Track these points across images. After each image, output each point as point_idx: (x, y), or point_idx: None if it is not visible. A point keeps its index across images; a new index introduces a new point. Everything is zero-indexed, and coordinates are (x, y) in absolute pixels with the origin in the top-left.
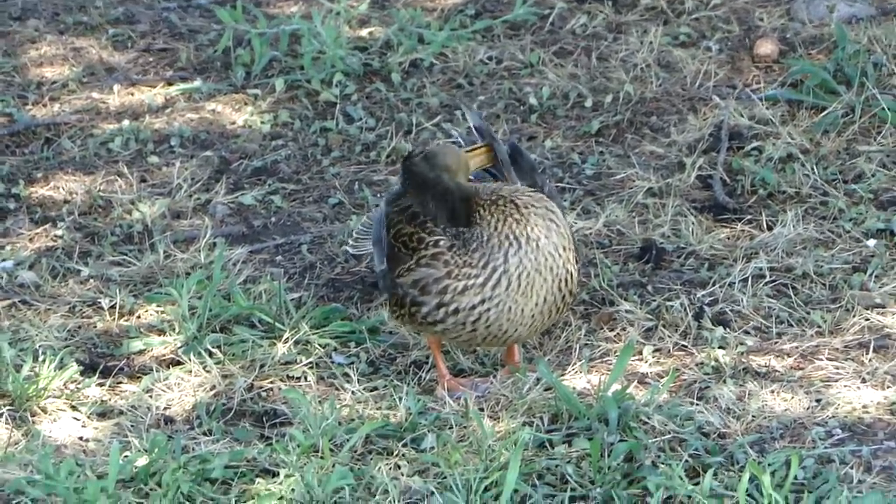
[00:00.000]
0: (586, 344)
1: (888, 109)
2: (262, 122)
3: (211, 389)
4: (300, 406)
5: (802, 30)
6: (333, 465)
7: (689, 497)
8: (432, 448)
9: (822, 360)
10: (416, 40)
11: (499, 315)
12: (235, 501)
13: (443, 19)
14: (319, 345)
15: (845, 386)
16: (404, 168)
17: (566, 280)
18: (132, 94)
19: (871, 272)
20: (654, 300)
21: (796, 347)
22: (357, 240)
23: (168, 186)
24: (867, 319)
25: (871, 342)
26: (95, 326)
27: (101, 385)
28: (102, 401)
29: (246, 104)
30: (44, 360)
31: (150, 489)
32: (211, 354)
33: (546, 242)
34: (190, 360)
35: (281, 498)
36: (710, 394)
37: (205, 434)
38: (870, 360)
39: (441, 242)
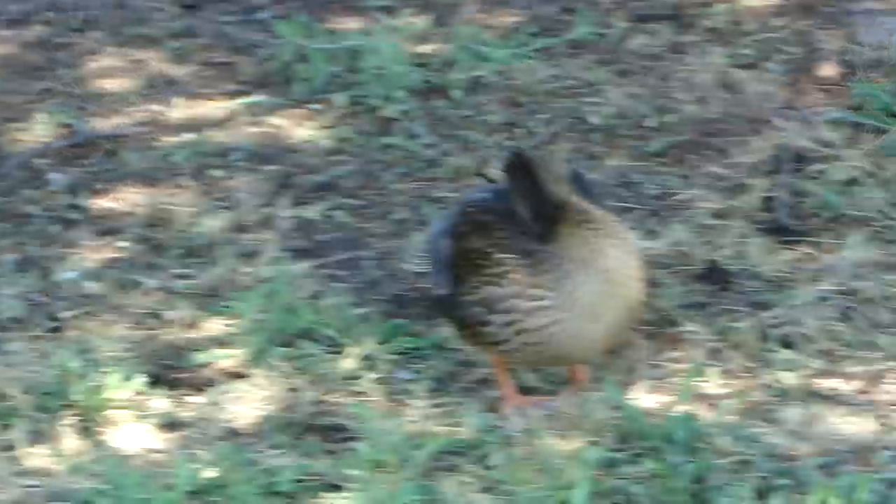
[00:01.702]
0: (651, 364)
1: None
2: (324, 138)
3: (276, 403)
4: (367, 421)
5: (863, 52)
6: (401, 481)
7: None
8: (499, 466)
9: (888, 383)
10: (476, 58)
11: (566, 337)
12: None
13: (503, 37)
14: (384, 360)
15: None
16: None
17: (635, 307)
18: (192, 108)
19: None
20: (719, 321)
21: (863, 371)
22: (423, 256)
23: (231, 200)
24: None
25: None
26: (160, 338)
27: (167, 397)
28: (168, 412)
29: (307, 119)
30: (110, 371)
31: (218, 501)
32: (276, 368)
33: (621, 272)
34: (255, 373)
35: None
36: (776, 416)
37: (271, 447)
38: None
39: (509, 260)
